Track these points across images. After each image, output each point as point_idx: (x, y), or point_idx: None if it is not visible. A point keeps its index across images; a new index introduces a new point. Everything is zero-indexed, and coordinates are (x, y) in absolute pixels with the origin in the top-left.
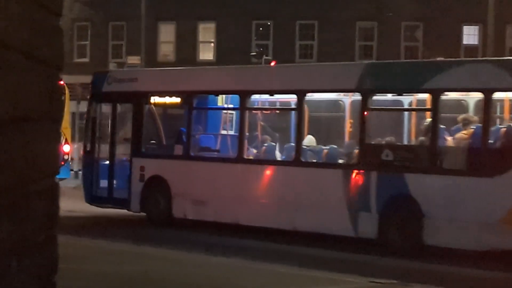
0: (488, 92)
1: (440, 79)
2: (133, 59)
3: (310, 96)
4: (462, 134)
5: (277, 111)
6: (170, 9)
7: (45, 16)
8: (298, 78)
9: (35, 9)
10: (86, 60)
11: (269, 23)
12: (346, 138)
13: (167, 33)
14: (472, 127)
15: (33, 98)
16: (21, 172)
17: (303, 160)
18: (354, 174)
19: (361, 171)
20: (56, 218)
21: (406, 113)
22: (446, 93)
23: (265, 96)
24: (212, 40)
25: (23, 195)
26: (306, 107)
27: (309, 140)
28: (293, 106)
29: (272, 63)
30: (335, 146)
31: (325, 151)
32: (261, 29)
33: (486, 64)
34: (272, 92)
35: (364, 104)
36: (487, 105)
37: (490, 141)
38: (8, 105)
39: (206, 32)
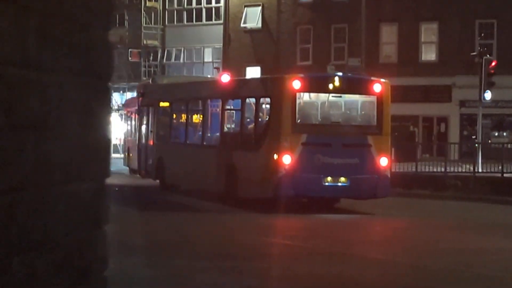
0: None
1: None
2: (353, 61)
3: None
4: None
5: None
6: (391, 10)
7: None
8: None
9: None
10: (308, 63)
11: (493, 22)
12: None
13: (388, 34)
14: None
15: None
16: (72, 169)
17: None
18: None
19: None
20: (105, 215)
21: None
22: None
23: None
24: (435, 41)
25: (74, 192)
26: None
27: None
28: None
29: (493, 63)
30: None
31: None
32: (484, 29)
33: None
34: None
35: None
36: None
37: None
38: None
39: (428, 33)
